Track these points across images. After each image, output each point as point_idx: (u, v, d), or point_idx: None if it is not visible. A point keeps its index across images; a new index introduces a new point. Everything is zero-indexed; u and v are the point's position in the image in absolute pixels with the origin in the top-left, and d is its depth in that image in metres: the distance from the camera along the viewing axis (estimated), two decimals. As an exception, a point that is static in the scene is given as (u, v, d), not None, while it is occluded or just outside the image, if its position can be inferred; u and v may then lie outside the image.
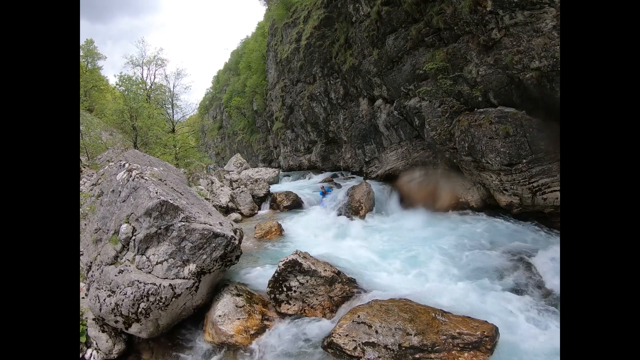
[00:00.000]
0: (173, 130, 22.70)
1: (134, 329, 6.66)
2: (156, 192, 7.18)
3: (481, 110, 11.43)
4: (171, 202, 7.07)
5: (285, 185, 22.58)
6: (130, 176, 7.84)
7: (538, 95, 9.74)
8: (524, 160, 10.18)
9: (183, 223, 7.01)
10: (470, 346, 5.92)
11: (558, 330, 6.57)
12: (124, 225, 7.18)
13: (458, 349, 5.92)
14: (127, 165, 8.53)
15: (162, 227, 6.96)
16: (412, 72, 13.88)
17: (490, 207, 12.56)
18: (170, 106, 23.74)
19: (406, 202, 15.24)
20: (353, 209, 14.64)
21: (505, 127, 10.30)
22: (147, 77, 23.65)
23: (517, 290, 7.79)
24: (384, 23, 14.94)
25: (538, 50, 9.15)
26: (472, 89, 11.42)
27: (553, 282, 8.02)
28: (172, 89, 23.72)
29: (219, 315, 7.11)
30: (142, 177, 7.72)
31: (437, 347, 5.95)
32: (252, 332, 6.99)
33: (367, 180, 17.88)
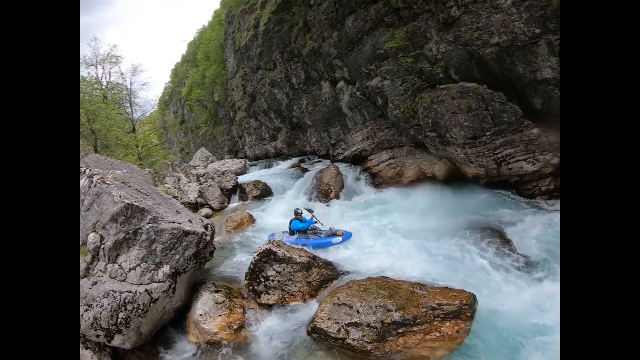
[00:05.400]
0: (134, 130, 21.87)
1: (116, 341, 6.44)
2: (120, 196, 6.90)
3: (443, 86, 11.58)
4: (136, 204, 6.81)
5: (253, 175, 22.28)
6: (92, 182, 7.48)
7: (498, 70, 9.99)
8: (488, 133, 10.46)
9: (151, 225, 6.78)
10: (450, 315, 6.13)
11: (533, 290, 6.93)
12: (91, 235, 6.88)
13: (439, 319, 6.13)
14: (87, 171, 8.12)
15: (130, 231, 6.71)
16: (373, 52, 13.84)
17: (457, 179, 12.86)
18: (128, 105, 22.79)
19: (375, 182, 15.47)
20: (322, 192, 14.70)
21: (468, 101, 10.51)
22: (102, 76, 22.41)
23: (491, 257, 8.12)
24: (343, 4, 14.74)
25: (497, 26, 9.34)
26: (433, 66, 11.54)
27: (523, 246, 8.42)
28: (129, 87, 22.77)
29: (200, 315, 7.01)
30: (104, 182, 7.38)
31: (418, 320, 6.13)
32: (235, 327, 6.94)
33: (335, 163, 17.93)
